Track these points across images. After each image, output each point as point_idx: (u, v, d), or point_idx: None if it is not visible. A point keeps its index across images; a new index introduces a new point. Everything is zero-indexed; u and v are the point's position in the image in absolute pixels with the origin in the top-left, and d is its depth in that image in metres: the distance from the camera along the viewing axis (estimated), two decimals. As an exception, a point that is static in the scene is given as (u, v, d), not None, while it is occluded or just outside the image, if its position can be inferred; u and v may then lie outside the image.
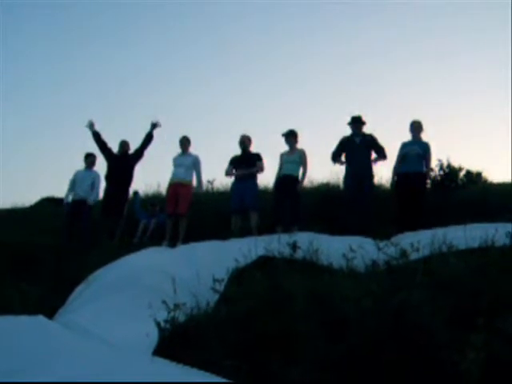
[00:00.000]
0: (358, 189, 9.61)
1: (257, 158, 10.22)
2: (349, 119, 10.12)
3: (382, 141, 10.10)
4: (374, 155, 10.02)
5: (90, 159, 10.98)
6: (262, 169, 10.17)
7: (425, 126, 9.99)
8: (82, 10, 32.10)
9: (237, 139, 10.45)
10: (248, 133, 10.59)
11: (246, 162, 10.17)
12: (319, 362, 3.77)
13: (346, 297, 4.40)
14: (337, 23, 33.17)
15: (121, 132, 36.98)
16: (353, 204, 9.54)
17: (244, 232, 9.33)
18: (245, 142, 10.38)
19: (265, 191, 11.38)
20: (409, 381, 3.49)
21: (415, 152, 9.71)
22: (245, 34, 35.21)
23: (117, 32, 35.34)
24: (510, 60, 29.51)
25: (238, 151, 10.51)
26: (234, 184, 10.29)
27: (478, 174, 13.16)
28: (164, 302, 4.30)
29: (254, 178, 10.17)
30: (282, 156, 10.16)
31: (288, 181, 9.78)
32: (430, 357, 3.60)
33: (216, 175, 14.85)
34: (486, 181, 13.20)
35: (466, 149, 26.53)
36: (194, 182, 10.58)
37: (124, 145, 11.23)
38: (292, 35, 34.27)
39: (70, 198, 10.76)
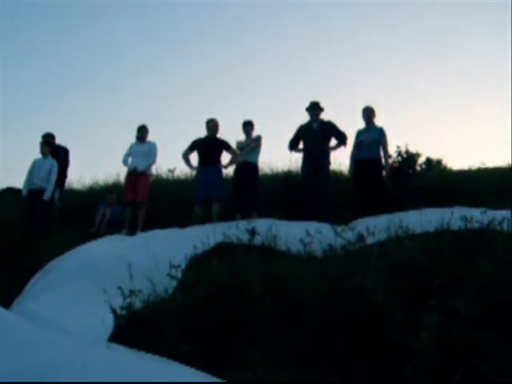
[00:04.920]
0: (315, 175, 9.67)
1: (225, 146, 10.19)
2: (307, 105, 10.15)
3: (342, 127, 10.18)
4: (333, 142, 10.08)
5: (45, 147, 10.84)
6: (238, 157, 10.13)
7: (381, 112, 10.10)
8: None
9: (198, 128, 10.42)
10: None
11: (210, 147, 10.13)
12: (276, 343, 3.80)
13: (302, 280, 4.43)
14: (302, 11, 33.22)
15: (80, 117, 36.60)
16: (310, 191, 9.60)
17: (204, 220, 9.33)
18: (213, 126, 10.33)
19: (224, 179, 11.36)
20: (363, 362, 3.54)
21: (371, 139, 9.81)
22: (207, 24, 35.15)
23: (101, 20, 35.03)
24: (475, 46, 29.93)
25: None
26: (199, 172, 10.21)
27: (439, 161, 13.34)
28: (119, 288, 4.28)
29: (219, 166, 10.14)
30: (239, 144, 10.19)
31: (246, 168, 9.82)
32: (384, 338, 3.65)
33: (176, 164, 14.89)
34: (445, 167, 13.39)
35: (427, 135, 26.95)
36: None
37: (46, 138, 11.34)
38: (253, 26, 34.30)
39: (27, 189, 10.61)
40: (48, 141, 11.24)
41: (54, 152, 11.13)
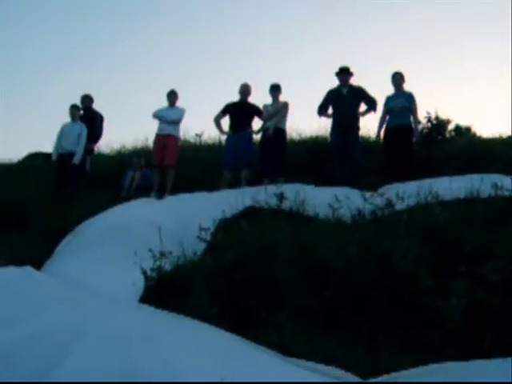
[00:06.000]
0: (344, 141, 9.62)
1: (257, 111, 10.22)
2: (337, 70, 10.06)
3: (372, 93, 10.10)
4: (363, 107, 10.02)
5: (75, 111, 10.85)
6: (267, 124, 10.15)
7: (413, 78, 9.97)
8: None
9: (227, 93, 10.43)
10: (236, 85, 10.47)
11: (242, 112, 10.16)
12: (304, 308, 3.82)
13: (331, 245, 4.43)
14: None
15: (108, 82, 36.67)
16: (339, 155, 9.57)
17: (233, 184, 9.36)
18: (245, 90, 10.34)
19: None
20: (392, 326, 3.55)
21: (401, 105, 9.70)
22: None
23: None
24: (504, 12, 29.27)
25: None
26: (230, 137, 10.24)
27: (468, 129, 13.18)
28: (150, 251, 4.32)
29: (249, 132, 10.17)
30: (267, 108, 10.18)
31: (274, 133, 9.78)
32: (412, 303, 3.66)
33: (204, 128, 14.86)
34: (474, 135, 13.24)
35: (457, 103, 26.55)
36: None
37: (85, 100, 11.33)
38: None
39: (57, 153, 10.65)
40: (86, 104, 11.29)
41: (91, 117, 11.16)
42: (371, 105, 9.92)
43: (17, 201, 8.74)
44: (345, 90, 9.94)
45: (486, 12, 31.89)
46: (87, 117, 11.03)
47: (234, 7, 36.58)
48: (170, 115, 10.25)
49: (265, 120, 10.04)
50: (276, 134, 9.75)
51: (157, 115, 10.35)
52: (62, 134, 10.60)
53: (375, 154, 10.33)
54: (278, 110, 9.98)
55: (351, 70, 10.03)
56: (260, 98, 16.40)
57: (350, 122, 9.74)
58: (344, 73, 9.98)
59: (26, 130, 30.79)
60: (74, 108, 10.82)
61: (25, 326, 2.91)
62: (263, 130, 10.04)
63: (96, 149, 12.56)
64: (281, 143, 9.83)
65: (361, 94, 9.97)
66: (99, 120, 11.37)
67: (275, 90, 10.21)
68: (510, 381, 2.31)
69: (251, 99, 10.41)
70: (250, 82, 10.40)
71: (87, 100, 11.40)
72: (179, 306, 3.71)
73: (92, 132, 10.87)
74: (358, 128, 9.91)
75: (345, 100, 9.83)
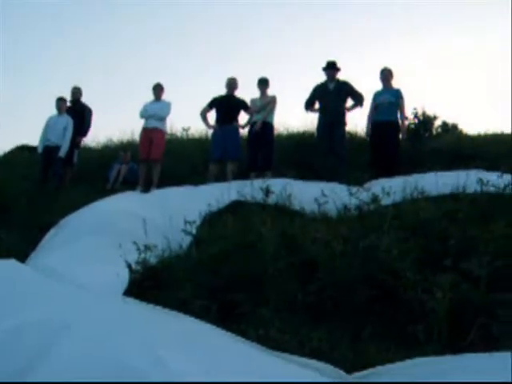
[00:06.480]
0: (331, 136, 9.63)
1: (244, 105, 10.22)
2: (324, 65, 10.06)
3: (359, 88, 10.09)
4: (350, 102, 10.02)
5: (61, 103, 10.78)
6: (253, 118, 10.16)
7: (400, 74, 10.00)
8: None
9: (214, 87, 10.43)
10: (223, 80, 10.47)
11: (228, 106, 10.14)
12: (290, 302, 3.82)
13: (316, 240, 4.43)
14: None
15: (95, 75, 36.51)
16: (325, 150, 9.57)
17: (219, 178, 9.35)
18: (232, 84, 10.32)
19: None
20: (377, 320, 3.56)
21: (388, 101, 9.73)
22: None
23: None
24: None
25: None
26: (216, 131, 10.22)
27: (454, 126, 13.26)
28: (135, 243, 4.30)
29: (236, 125, 10.17)
30: (255, 102, 10.16)
31: (262, 127, 9.78)
32: (397, 297, 3.67)
33: (191, 123, 14.86)
34: (460, 132, 13.32)
35: (444, 100, 26.67)
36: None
37: (76, 92, 11.24)
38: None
39: (42, 146, 10.58)
40: (75, 97, 11.23)
41: (79, 110, 11.08)
42: (358, 100, 9.94)
43: (1, 194, 8.68)
44: (331, 85, 9.95)
45: (482, 11, 32.00)
46: (75, 110, 10.97)
47: (222, 2, 36.50)
48: (158, 113, 10.18)
49: (252, 114, 10.03)
50: (264, 128, 9.76)
51: (144, 115, 10.27)
52: (48, 127, 10.54)
53: (361, 149, 10.34)
54: (266, 104, 9.98)
55: (338, 64, 10.04)
56: (247, 92, 16.38)
57: (337, 116, 9.75)
58: (331, 67, 9.99)
59: (12, 122, 30.60)
60: (60, 101, 10.76)
61: (7, 320, 2.88)
62: (251, 123, 10.03)
63: (82, 142, 12.49)
64: (269, 137, 9.84)
65: (347, 89, 9.98)
66: (88, 113, 11.30)
67: (263, 84, 10.22)
68: (495, 378, 2.31)
69: (238, 93, 10.41)
70: (237, 76, 10.41)
71: (77, 93, 11.33)
72: (164, 299, 3.70)
73: (80, 125, 10.81)
74: (344, 123, 9.93)
75: (331, 95, 9.84)
